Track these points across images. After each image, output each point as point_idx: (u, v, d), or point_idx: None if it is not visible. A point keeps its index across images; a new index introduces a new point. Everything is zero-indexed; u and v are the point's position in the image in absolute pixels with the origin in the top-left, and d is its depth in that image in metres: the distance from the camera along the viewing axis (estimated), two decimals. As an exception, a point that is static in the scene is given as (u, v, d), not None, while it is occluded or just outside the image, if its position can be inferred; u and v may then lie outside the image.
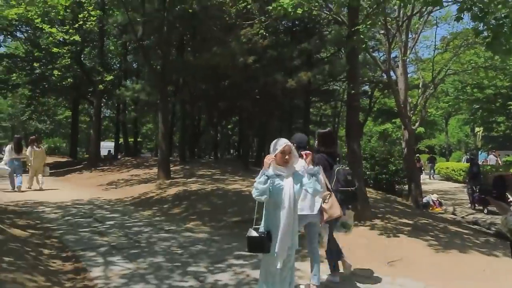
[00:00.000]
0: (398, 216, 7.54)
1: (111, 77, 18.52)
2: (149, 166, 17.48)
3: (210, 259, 5.36)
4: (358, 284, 4.43)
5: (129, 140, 27.35)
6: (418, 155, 19.34)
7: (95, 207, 9.68)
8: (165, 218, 8.54)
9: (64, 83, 21.25)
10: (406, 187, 13.14)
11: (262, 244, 3.21)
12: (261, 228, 3.30)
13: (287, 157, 3.25)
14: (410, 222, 7.00)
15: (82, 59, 22.05)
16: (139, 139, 33.87)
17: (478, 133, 29.67)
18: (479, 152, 26.53)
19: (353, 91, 7.22)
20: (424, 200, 12.17)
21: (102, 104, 23.48)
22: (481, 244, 5.85)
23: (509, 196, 1.67)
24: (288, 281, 3.31)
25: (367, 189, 7.70)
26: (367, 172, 13.41)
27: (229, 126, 31.13)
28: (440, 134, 41.66)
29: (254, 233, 3.25)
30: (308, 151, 3.42)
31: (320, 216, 4.10)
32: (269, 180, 3.17)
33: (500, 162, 19.03)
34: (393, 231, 6.15)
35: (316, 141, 4.67)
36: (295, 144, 3.62)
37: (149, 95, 17.47)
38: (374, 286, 4.37)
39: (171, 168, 13.88)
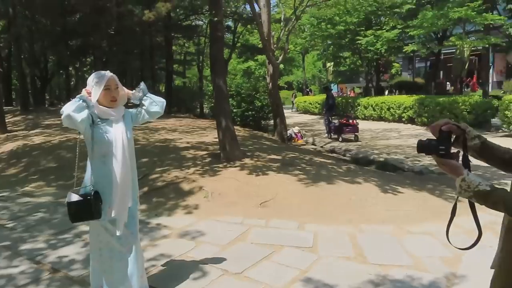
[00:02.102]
0: (266, 152, 7.42)
1: None
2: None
3: (54, 229, 4.35)
4: (229, 233, 4.03)
5: None
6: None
7: None
8: (-5, 182, 6.87)
9: None
10: (271, 122, 13.36)
11: (89, 209, 2.34)
12: (85, 189, 2.44)
13: (113, 94, 2.47)
14: (279, 157, 6.93)
15: None
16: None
17: (329, 68, 32.15)
18: (331, 85, 28.86)
19: (216, 19, 6.43)
20: (287, 133, 12.59)
21: None
22: (344, 173, 6.06)
23: (455, 149, 1.20)
24: (135, 250, 2.58)
25: (234, 127, 7.27)
26: (234, 110, 13.17)
27: (85, 69, 27.35)
28: (298, 70, 44.20)
29: (75, 197, 2.36)
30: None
31: None
32: (84, 102, 2.33)
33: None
34: (262, 169, 5.94)
35: None
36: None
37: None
38: (248, 232, 4.03)
39: (9, 120, 11.44)
